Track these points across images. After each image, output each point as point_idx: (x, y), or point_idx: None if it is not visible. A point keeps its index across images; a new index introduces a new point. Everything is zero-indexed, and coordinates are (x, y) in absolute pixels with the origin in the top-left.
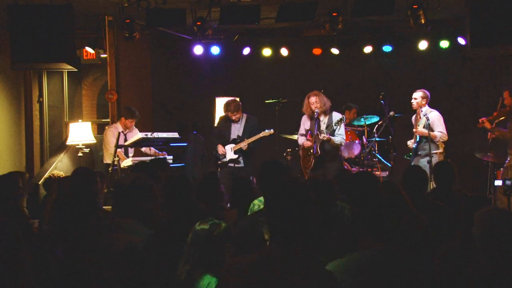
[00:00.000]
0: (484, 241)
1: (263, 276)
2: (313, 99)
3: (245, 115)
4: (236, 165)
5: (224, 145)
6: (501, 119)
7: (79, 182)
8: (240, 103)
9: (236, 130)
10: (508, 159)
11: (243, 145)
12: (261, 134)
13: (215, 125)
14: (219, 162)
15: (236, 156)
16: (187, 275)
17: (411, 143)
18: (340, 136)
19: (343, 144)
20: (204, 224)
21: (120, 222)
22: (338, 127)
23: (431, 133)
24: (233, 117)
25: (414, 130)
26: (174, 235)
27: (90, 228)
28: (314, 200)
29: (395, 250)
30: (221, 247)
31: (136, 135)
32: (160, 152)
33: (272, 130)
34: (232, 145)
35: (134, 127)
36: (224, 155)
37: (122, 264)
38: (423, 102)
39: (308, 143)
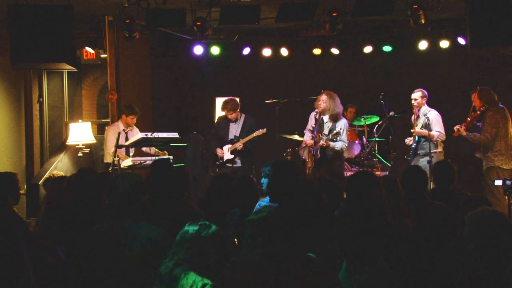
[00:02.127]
0: (474, 242)
1: (267, 273)
2: (322, 97)
3: (243, 115)
4: (233, 165)
5: (222, 146)
6: (473, 123)
7: (82, 182)
8: (239, 102)
9: (234, 130)
10: (484, 162)
11: (238, 145)
12: (254, 134)
13: (214, 125)
14: (217, 163)
15: (232, 156)
16: (169, 271)
17: (409, 141)
18: (342, 142)
19: (344, 149)
20: (194, 225)
21: (116, 223)
22: (341, 132)
23: (429, 132)
24: (230, 116)
25: (412, 130)
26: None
27: (93, 228)
28: (323, 201)
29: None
30: (208, 249)
31: (136, 134)
32: (161, 152)
33: (264, 129)
34: (229, 146)
35: (134, 126)
36: (223, 157)
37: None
38: (423, 102)
39: (310, 142)
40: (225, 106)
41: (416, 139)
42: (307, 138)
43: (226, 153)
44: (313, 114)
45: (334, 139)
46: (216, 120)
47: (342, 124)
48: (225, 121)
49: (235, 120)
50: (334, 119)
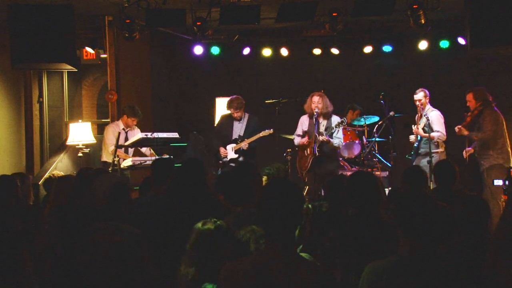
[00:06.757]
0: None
1: (262, 277)
2: (315, 98)
3: (247, 115)
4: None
5: (225, 145)
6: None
7: (80, 182)
8: (244, 101)
9: (238, 129)
10: (486, 161)
11: (244, 144)
12: (260, 134)
13: (216, 124)
14: (220, 162)
15: (236, 156)
16: (192, 278)
17: (412, 139)
18: (338, 139)
19: (340, 147)
20: (209, 224)
21: (103, 223)
22: (338, 129)
23: (429, 134)
24: (235, 115)
25: (414, 129)
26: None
27: (89, 228)
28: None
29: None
30: (226, 249)
31: (136, 134)
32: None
33: (271, 129)
34: (233, 145)
35: (135, 126)
36: (226, 156)
37: (112, 264)
38: (427, 101)
39: (305, 140)
40: (230, 105)
41: (419, 138)
42: (298, 141)
43: (230, 152)
44: (303, 119)
45: (331, 137)
46: (219, 119)
47: (337, 121)
48: (229, 120)
49: (240, 119)
50: (328, 117)
